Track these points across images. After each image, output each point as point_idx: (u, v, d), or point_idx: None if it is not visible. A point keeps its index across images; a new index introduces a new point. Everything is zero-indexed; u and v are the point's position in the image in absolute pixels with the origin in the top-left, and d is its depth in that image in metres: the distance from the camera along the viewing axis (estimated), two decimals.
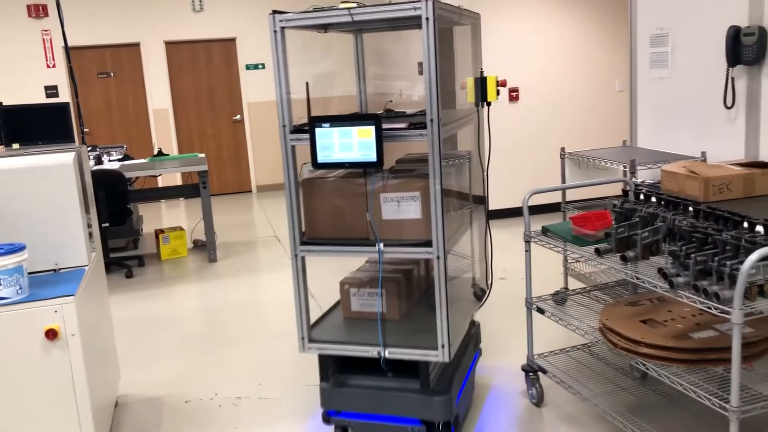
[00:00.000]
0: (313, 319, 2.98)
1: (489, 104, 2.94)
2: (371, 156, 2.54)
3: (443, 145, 2.53)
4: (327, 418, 2.88)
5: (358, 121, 2.54)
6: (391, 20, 2.79)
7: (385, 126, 2.59)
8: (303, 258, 2.79)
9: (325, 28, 3.06)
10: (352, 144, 2.56)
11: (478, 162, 3.26)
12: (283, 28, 2.70)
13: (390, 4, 2.47)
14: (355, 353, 2.73)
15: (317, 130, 2.59)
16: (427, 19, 2.43)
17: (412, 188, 2.65)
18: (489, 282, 3.51)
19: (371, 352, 2.70)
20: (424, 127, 2.51)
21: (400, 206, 2.68)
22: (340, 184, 2.73)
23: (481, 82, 2.94)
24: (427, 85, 2.48)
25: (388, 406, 2.75)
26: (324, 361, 2.82)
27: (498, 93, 2.96)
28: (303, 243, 2.75)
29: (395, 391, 2.74)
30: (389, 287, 2.90)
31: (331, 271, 5.29)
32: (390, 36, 8.83)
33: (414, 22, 2.83)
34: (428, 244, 2.58)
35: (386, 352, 2.68)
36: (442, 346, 2.63)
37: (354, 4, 2.58)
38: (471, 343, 3.26)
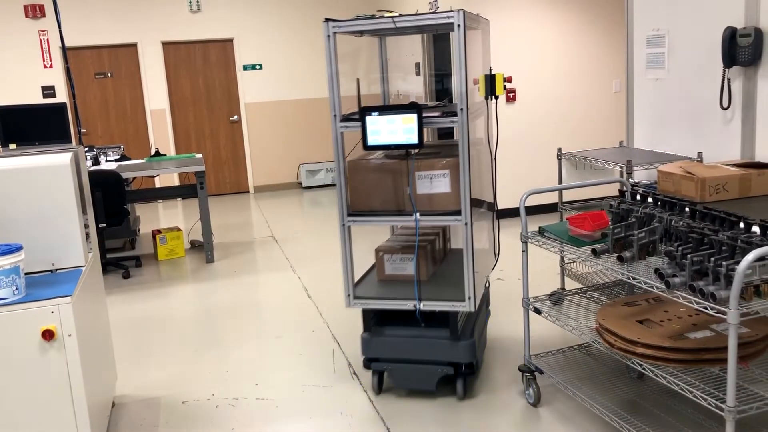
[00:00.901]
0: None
1: (497, 97, 3.43)
2: (413, 139, 3.06)
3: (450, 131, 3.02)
4: (367, 365, 3.42)
5: (402, 109, 3.04)
6: (425, 27, 3.28)
7: (424, 114, 3.08)
8: (349, 227, 3.31)
9: (361, 33, 3.49)
10: (396, 129, 3.07)
11: (489, 146, 3.77)
12: (335, 33, 3.13)
13: (424, 13, 3.00)
14: (394, 307, 3.27)
15: (368, 118, 3.08)
16: (459, 25, 2.92)
17: (443, 167, 3.18)
18: (497, 251, 4.12)
19: (408, 305, 3.23)
20: (455, 115, 3.03)
21: (432, 182, 3.21)
22: (379, 165, 3.27)
23: (490, 79, 3.38)
24: (458, 80, 2.99)
25: (420, 352, 3.30)
26: (366, 314, 3.36)
27: (504, 88, 3.42)
28: (349, 215, 3.28)
29: (427, 339, 3.28)
30: (420, 252, 3.46)
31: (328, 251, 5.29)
32: (388, 41, 8.78)
33: (445, 29, 3.44)
34: (457, 213, 3.13)
35: (421, 305, 3.22)
36: (469, 297, 3.17)
37: (396, 13, 3.08)
38: (484, 302, 3.78)
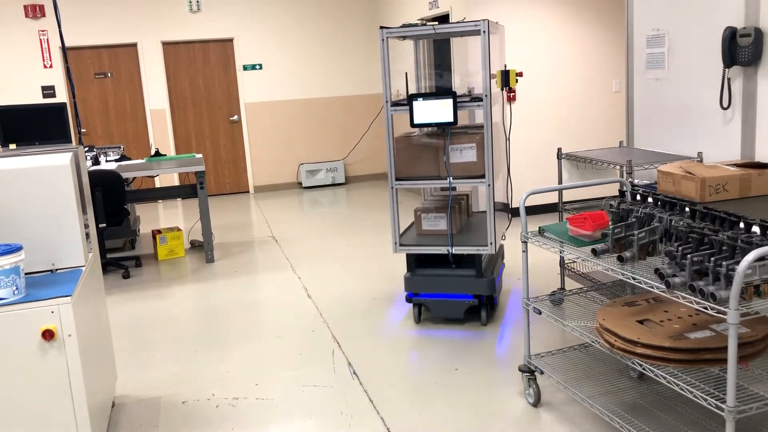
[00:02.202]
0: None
1: (512, 90, 4.53)
2: (450, 118, 3.95)
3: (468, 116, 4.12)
4: (409, 299, 4.30)
5: (441, 95, 3.93)
6: (455, 33, 4.23)
7: (458, 100, 4.04)
8: (396, 189, 4.25)
9: (404, 37, 4.22)
10: (437, 110, 3.95)
11: (503, 128, 4.73)
12: (387, 37, 4.04)
13: (457, 22, 3.96)
14: (432, 251, 4.19)
15: (414, 103, 3.97)
16: (484, 31, 3.88)
17: (470, 141, 4.09)
18: (509, 214, 4.95)
19: (443, 250, 4.15)
20: (481, 101, 3.98)
21: (462, 153, 4.10)
22: (418, 141, 4.19)
23: (505, 74, 4.25)
24: (483, 73, 3.95)
25: (451, 287, 4.19)
26: (409, 258, 4.28)
27: (517, 81, 4.30)
28: (396, 179, 4.20)
29: (456, 277, 4.18)
30: (451, 209, 4.32)
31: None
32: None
33: (472, 34, 4.40)
34: (482, 176, 4.07)
35: (453, 249, 4.13)
36: (490, 243, 4.09)
37: (436, 23, 3.93)
38: (500, 253, 4.69)
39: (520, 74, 4.23)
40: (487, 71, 3.92)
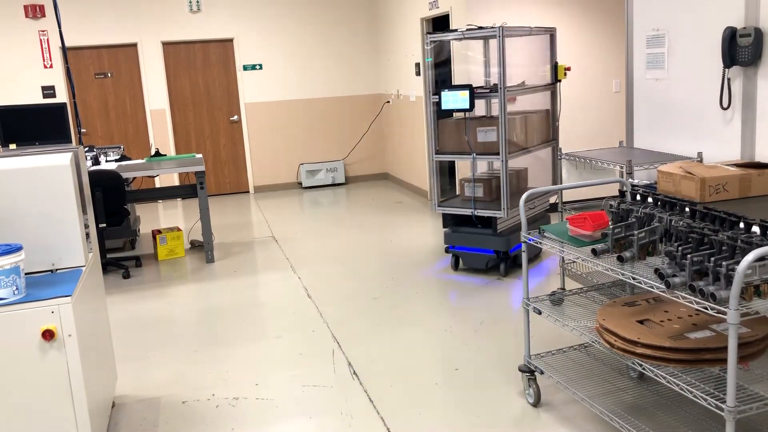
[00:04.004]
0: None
1: (560, 81, 5.53)
2: (466, 105, 4.96)
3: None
4: (447, 250, 5.43)
5: (460, 87, 4.99)
6: (478, 36, 5.16)
7: (476, 91, 5.10)
8: (437, 162, 5.44)
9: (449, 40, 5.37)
10: (458, 99, 4.98)
11: (549, 115, 5.78)
12: (431, 41, 5.20)
13: (484, 27, 4.94)
14: (459, 212, 5.28)
15: (442, 93, 5.05)
16: (498, 36, 4.86)
17: (491, 124, 5.12)
18: (559, 177, 5.36)
19: (467, 212, 5.21)
20: (497, 92, 4.98)
21: (486, 134, 5.13)
22: (455, 123, 5.28)
23: (554, 68, 5.53)
24: (498, 69, 4.91)
25: (476, 243, 5.27)
26: (445, 217, 5.40)
27: (565, 74, 5.53)
28: (436, 152, 5.35)
29: (479, 235, 5.25)
30: (484, 183, 5.28)
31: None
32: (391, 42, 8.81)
33: (491, 37, 5.18)
34: (497, 153, 5.05)
35: (476, 212, 5.15)
36: (503, 208, 5.08)
37: (465, 29, 5.02)
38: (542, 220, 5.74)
39: (568, 69, 5.27)
40: (502, 68, 4.87)
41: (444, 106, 5.01)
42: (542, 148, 5.63)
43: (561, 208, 4.48)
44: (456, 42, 6.29)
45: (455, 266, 5.42)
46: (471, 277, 5.25)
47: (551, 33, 5.58)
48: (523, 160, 6.24)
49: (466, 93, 4.91)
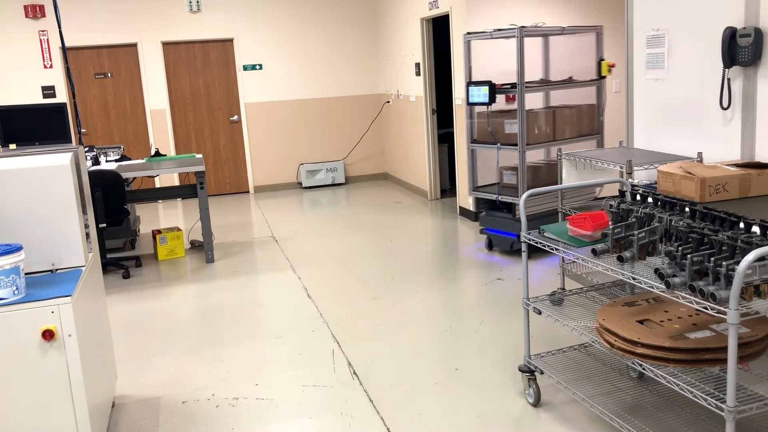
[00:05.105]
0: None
1: (604, 77, 5.96)
2: (486, 99, 5.59)
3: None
4: (482, 232, 6.00)
5: (482, 83, 5.59)
6: (502, 36, 5.58)
7: (497, 86, 5.71)
8: (473, 150, 6.07)
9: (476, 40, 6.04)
10: (481, 93, 5.61)
11: (594, 109, 6.14)
12: (469, 41, 5.88)
13: (506, 29, 5.47)
14: (486, 197, 5.86)
15: (470, 87, 5.71)
16: (517, 37, 5.38)
17: (513, 117, 5.62)
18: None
19: (493, 197, 5.76)
20: (515, 88, 5.56)
21: (511, 126, 5.66)
22: (485, 115, 5.90)
23: (599, 65, 5.96)
24: (518, 67, 5.43)
25: (503, 226, 5.78)
26: (478, 201, 6.26)
27: (610, 71, 5.94)
28: (472, 142, 6.01)
29: (504, 219, 5.76)
30: (517, 171, 5.72)
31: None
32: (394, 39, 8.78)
33: (511, 37, 5.60)
34: (515, 144, 5.60)
35: (499, 197, 5.69)
36: (520, 195, 5.18)
37: (493, 29, 5.60)
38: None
39: (612, 65, 5.73)
40: (522, 66, 5.42)
41: (470, 100, 5.68)
42: (582, 141, 6.03)
43: (561, 208, 4.48)
44: (483, 41, 6.68)
45: (489, 247, 5.99)
46: (498, 257, 5.78)
47: (597, 31, 5.92)
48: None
49: (486, 88, 5.55)
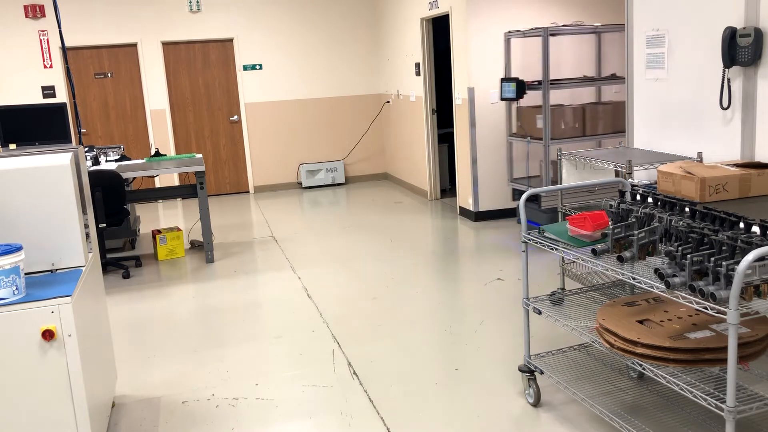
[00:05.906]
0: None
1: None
2: (513, 95, 6.06)
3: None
4: (518, 220, 6.33)
5: (511, 79, 6.05)
6: (535, 35, 6.00)
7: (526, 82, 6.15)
8: (510, 143, 6.59)
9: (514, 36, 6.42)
10: (510, 89, 6.09)
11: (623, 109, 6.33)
12: (509, 39, 6.34)
13: (532, 29, 5.97)
14: (519, 188, 6.51)
15: (503, 83, 6.18)
16: (544, 36, 5.85)
17: (540, 113, 6.03)
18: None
19: (524, 188, 6.32)
20: (540, 86, 6.02)
21: (538, 121, 6.07)
22: (527, 110, 6.32)
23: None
24: (542, 68, 5.92)
25: (530, 216, 6.27)
26: (514, 192, 6.72)
27: None
28: (510, 135, 6.52)
29: (533, 209, 6.20)
30: (553, 164, 6.17)
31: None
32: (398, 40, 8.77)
33: (537, 36, 6.08)
34: (540, 138, 6.13)
35: (528, 188, 6.04)
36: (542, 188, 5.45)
37: (527, 29, 6.11)
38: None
39: None
40: (548, 64, 5.89)
41: (502, 95, 6.19)
42: (615, 137, 6.32)
43: (561, 208, 4.47)
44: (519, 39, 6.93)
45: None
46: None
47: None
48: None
49: (513, 85, 5.99)
